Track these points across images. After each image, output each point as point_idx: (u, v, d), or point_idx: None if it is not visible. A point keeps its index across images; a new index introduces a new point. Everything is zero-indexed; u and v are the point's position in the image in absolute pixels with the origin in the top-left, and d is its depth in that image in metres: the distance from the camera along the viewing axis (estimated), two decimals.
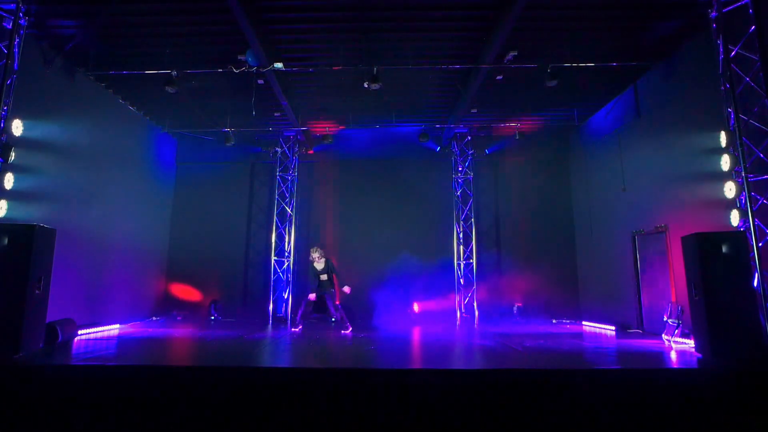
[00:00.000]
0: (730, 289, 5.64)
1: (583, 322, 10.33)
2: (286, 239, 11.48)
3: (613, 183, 9.76)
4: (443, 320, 11.00)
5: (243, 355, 6.64)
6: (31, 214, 6.77)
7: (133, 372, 5.31)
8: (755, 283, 5.66)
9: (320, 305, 9.48)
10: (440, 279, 11.75)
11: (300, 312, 9.20)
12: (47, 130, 7.51)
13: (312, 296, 9.01)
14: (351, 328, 8.86)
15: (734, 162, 6.08)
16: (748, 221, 5.82)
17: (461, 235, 11.53)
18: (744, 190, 5.92)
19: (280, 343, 7.79)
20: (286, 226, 11.54)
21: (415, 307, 11.18)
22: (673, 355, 6.30)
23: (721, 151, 6.31)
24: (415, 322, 10.70)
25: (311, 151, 12.34)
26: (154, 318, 10.96)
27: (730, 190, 6.16)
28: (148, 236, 11.20)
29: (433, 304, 11.53)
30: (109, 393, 4.91)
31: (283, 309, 10.98)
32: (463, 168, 11.75)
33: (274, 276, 11.22)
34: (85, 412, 4.78)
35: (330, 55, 8.22)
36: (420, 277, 11.74)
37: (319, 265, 9.10)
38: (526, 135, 10.97)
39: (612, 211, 10.04)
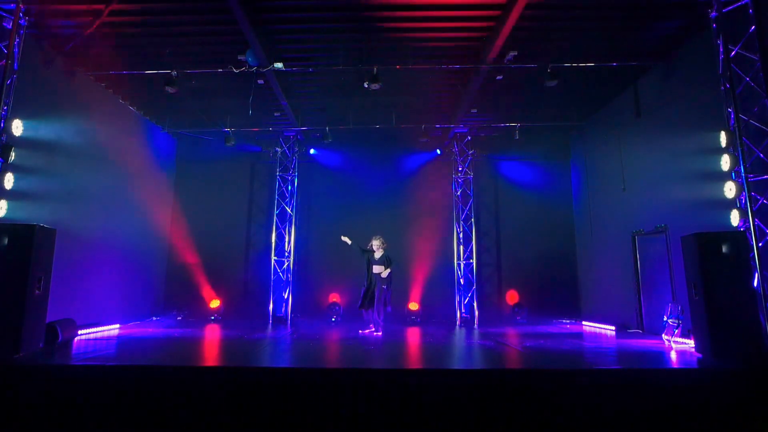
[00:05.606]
0: (730, 289, 5.64)
1: (583, 322, 10.33)
2: (286, 239, 11.48)
3: (613, 183, 9.76)
4: (443, 320, 11.01)
5: (243, 355, 6.64)
6: (31, 214, 6.76)
7: (133, 372, 5.31)
8: (755, 283, 5.65)
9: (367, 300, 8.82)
10: (440, 279, 11.77)
11: (382, 315, 8.62)
12: (47, 130, 7.50)
13: (389, 306, 8.64)
14: (380, 333, 8.44)
15: (734, 162, 6.07)
16: (748, 221, 5.81)
17: (461, 235, 11.52)
18: (744, 190, 5.91)
19: (280, 343, 7.79)
20: (286, 226, 11.53)
21: (415, 307, 11.18)
22: (673, 355, 6.31)
23: (721, 151, 6.30)
24: (415, 322, 10.70)
25: (311, 151, 12.34)
26: (154, 318, 10.96)
27: (730, 190, 6.15)
28: (148, 236, 11.19)
29: (433, 304, 11.54)
30: (109, 393, 4.91)
31: (283, 309, 10.97)
32: (463, 168, 11.74)
33: (274, 276, 11.22)
34: (85, 412, 4.78)
35: (330, 55, 8.20)
36: (420, 277, 11.76)
37: (378, 254, 8.76)
38: (526, 135, 10.96)
39: (612, 211, 10.04)
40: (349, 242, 8.87)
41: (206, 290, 11.68)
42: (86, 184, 8.64)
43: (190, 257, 11.91)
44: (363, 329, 8.64)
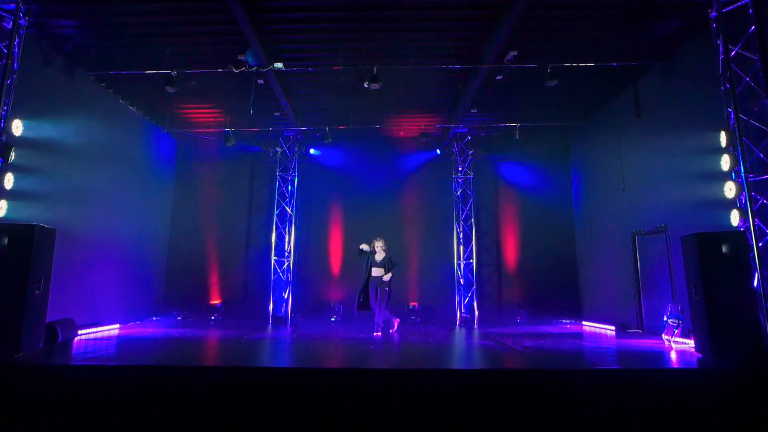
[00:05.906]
0: (730, 289, 5.65)
1: (583, 322, 10.34)
2: (286, 239, 11.47)
3: (613, 183, 9.76)
4: (443, 320, 11.01)
5: (243, 355, 6.64)
6: (31, 214, 6.77)
7: (133, 372, 5.31)
8: (755, 283, 5.66)
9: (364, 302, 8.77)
10: (440, 279, 11.77)
11: (383, 316, 8.56)
12: (47, 130, 7.50)
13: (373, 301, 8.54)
14: (380, 334, 8.40)
15: (734, 162, 6.07)
16: (748, 221, 5.82)
17: (461, 235, 11.52)
18: (744, 190, 5.92)
19: (280, 343, 7.79)
20: (286, 226, 11.53)
21: (415, 307, 11.18)
22: (673, 355, 6.30)
23: (721, 151, 6.30)
24: (415, 322, 10.69)
25: (311, 151, 12.34)
26: (154, 318, 10.96)
27: (730, 190, 6.15)
28: (148, 236, 11.19)
29: (433, 304, 11.54)
30: (109, 393, 4.90)
31: (283, 309, 10.96)
32: (463, 168, 11.74)
33: (274, 276, 11.21)
34: (85, 412, 4.78)
35: (330, 55, 8.20)
36: (420, 277, 11.77)
37: (379, 256, 8.64)
38: (526, 135, 10.96)
39: (612, 211, 10.04)
40: (366, 248, 8.72)
41: (206, 290, 11.69)
42: (86, 184, 8.64)
43: (190, 257, 11.91)
44: (388, 329, 8.63)
